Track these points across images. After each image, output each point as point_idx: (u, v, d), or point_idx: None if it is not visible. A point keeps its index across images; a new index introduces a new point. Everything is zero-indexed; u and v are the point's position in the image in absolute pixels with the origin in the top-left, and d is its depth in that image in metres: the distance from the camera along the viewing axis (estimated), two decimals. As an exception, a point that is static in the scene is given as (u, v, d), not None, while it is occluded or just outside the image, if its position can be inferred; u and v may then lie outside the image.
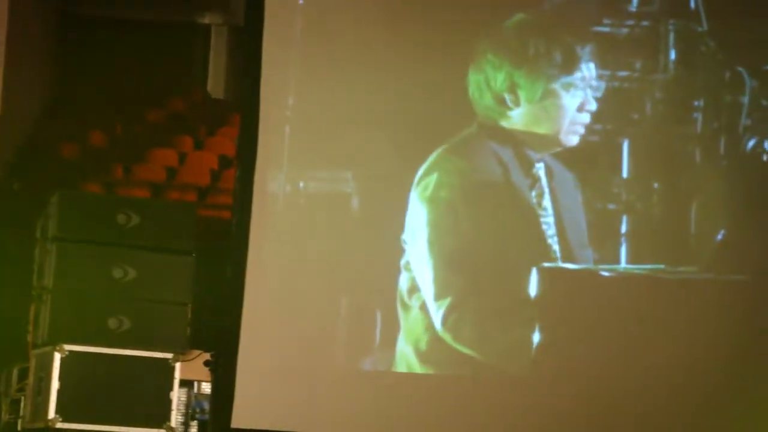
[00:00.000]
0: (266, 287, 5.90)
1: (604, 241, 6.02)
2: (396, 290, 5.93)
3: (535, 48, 6.07)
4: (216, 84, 13.31)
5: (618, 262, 6.01)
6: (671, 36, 6.12)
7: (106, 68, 12.70)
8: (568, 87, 6.06)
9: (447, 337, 5.90)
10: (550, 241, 5.97)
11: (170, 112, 12.17)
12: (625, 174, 6.07)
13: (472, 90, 6.05)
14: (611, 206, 6.05)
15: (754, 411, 5.87)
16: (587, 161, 6.08)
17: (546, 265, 5.95)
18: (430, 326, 5.91)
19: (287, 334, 5.92)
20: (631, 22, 6.14)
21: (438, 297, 5.92)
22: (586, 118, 6.07)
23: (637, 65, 6.12)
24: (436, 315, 5.90)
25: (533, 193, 6.00)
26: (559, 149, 6.06)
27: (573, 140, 6.06)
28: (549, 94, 6.05)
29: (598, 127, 6.08)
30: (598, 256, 6.01)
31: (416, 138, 6.05)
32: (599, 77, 6.10)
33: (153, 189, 10.17)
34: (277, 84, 6.03)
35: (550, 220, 5.98)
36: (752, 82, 6.10)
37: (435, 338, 5.91)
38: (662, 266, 6.01)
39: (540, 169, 6.02)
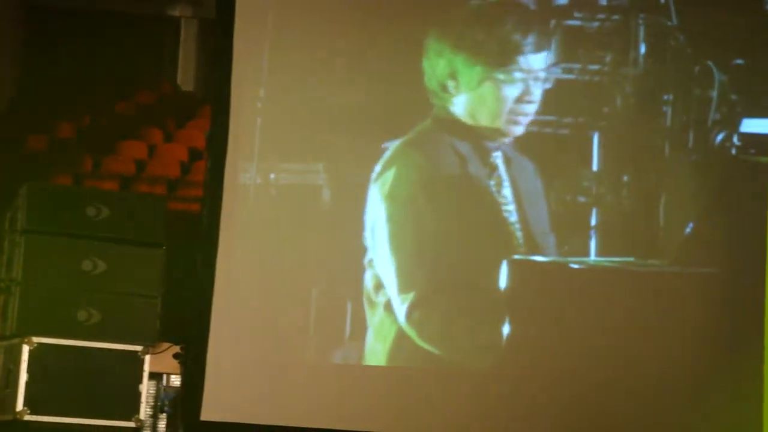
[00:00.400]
0: (236, 279, 5.89)
1: (574, 233, 6.04)
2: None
3: (472, 37, 6.07)
4: (186, 76, 13.26)
5: (587, 254, 6.03)
6: (641, 30, 6.14)
7: (75, 60, 12.62)
8: (506, 76, 6.06)
9: (412, 334, 5.90)
10: (512, 228, 5.97)
11: (140, 105, 12.11)
12: (594, 167, 6.10)
13: (426, 79, 6.07)
14: (581, 199, 6.07)
15: (722, 401, 5.91)
16: (549, 152, 6.09)
17: (515, 257, 5.96)
18: (396, 322, 5.91)
19: (257, 326, 5.91)
20: (601, 16, 6.16)
21: (402, 290, 5.91)
22: (528, 108, 6.07)
23: (608, 59, 6.14)
24: (400, 309, 5.90)
25: (492, 182, 6.01)
26: (507, 139, 6.06)
27: (516, 130, 6.07)
28: (486, 82, 6.05)
29: (568, 120, 6.10)
30: (567, 247, 6.03)
31: (382, 131, 6.05)
32: (569, 71, 6.12)
33: (122, 181, 10.11)
34: (248, 76, 6.02)
35: (511, 207, 5.99)
36: (721, 77, 6.13)
37: (402, 335, 5.91)
38: (631, 259, 6.04)
39: (497, 157, 6.03)
